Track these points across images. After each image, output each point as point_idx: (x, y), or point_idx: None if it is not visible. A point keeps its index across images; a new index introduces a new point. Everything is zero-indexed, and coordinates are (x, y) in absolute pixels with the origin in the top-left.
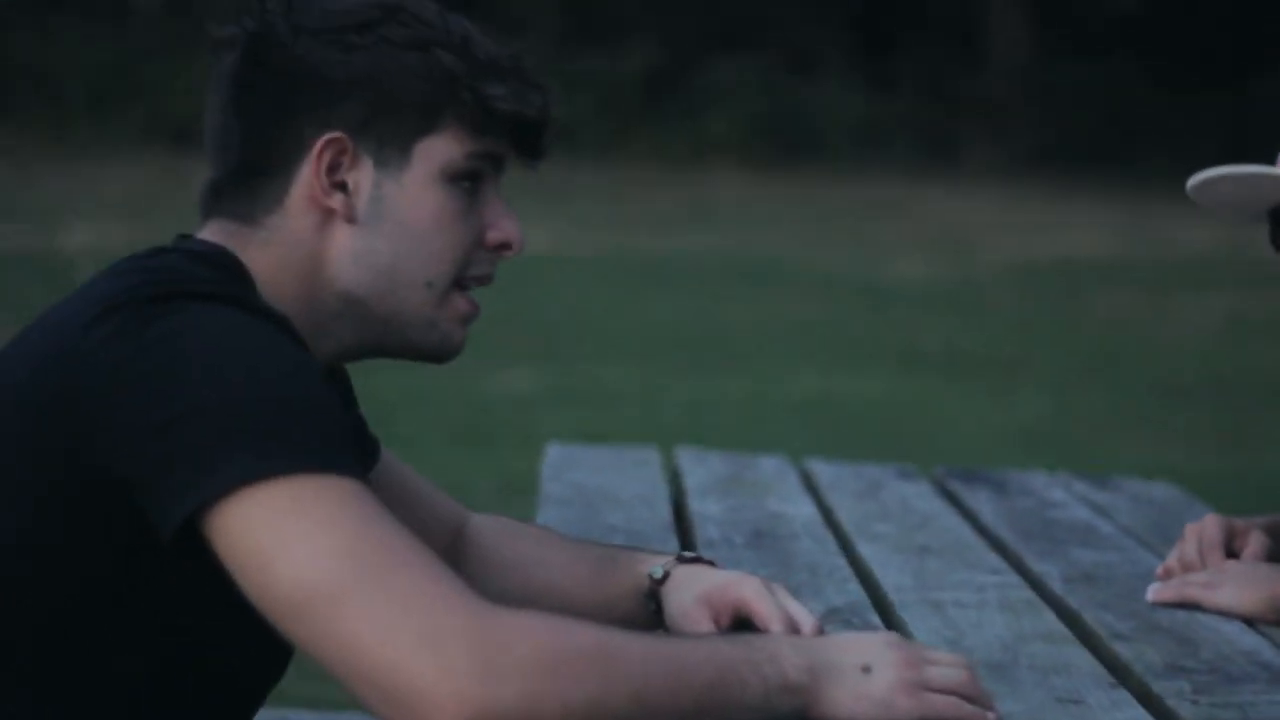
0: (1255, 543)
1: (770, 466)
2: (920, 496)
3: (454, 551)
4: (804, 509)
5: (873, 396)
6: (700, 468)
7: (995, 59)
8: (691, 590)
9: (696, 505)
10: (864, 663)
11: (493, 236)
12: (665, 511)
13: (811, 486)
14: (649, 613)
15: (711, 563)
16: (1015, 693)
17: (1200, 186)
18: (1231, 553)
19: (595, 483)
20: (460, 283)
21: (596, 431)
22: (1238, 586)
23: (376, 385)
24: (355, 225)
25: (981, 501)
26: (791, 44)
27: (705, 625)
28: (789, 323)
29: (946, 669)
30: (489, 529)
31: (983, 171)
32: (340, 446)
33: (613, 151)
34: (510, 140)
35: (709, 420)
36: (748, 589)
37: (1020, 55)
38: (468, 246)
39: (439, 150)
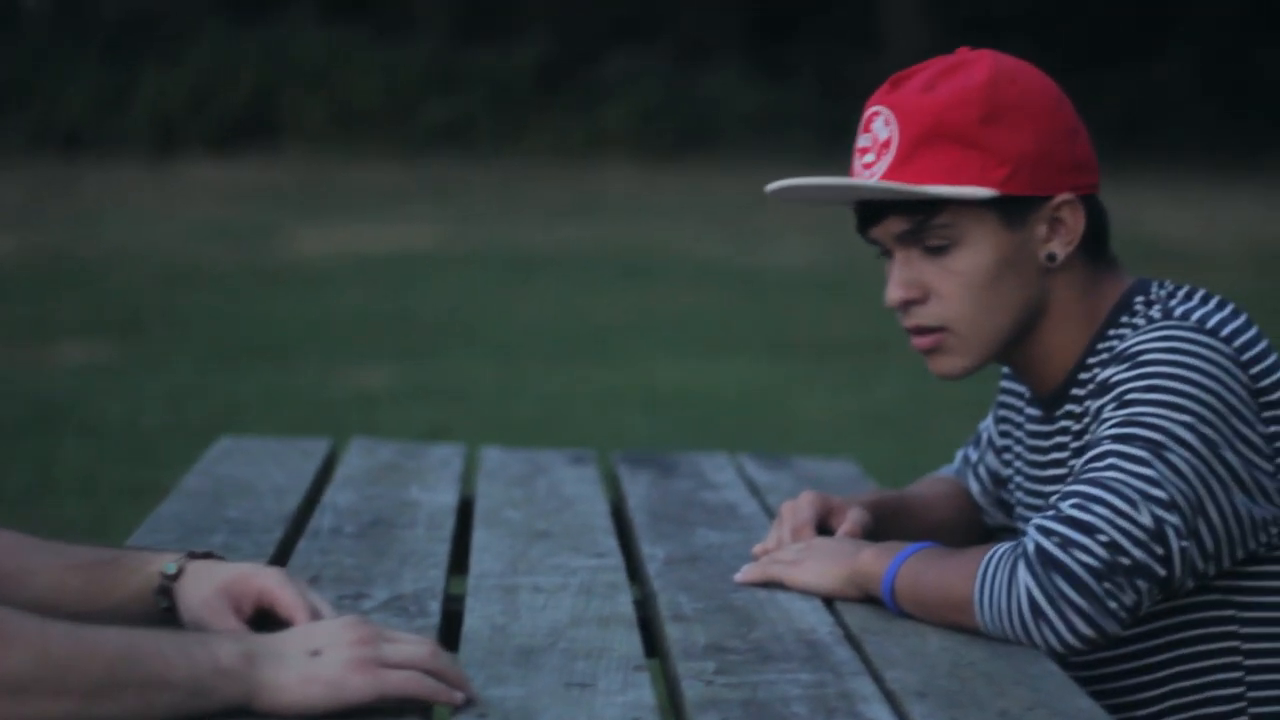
0: (851, 520)
1: (438, 455)
2: (578, 481)
3: None
4: (444, 497)
5: (736, 385)
6: (363, 458)
7: (890, 47)
8: (211, 582)
9: (331, 496)
10: (313, 647)
11: None
12: (294, 503)
13: (469, 474)
14: (160, 610)
15: (222, 557)
16: (527, 677)
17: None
18: (829, 530)
19: (240, 475)
20: None
21: (439, 426)
22: (818, 563)
23: (235, 382)
24: None
25: (639, 484)
26: (686, 35)
27: (226, 616)
28: (661, 314)
29: (406, 646)
30: None
31: None
32: None
33: (506, 146)
34: None
35: (564, 414)
36: (269, 579)
37: (914, 41)
38: None
39: None
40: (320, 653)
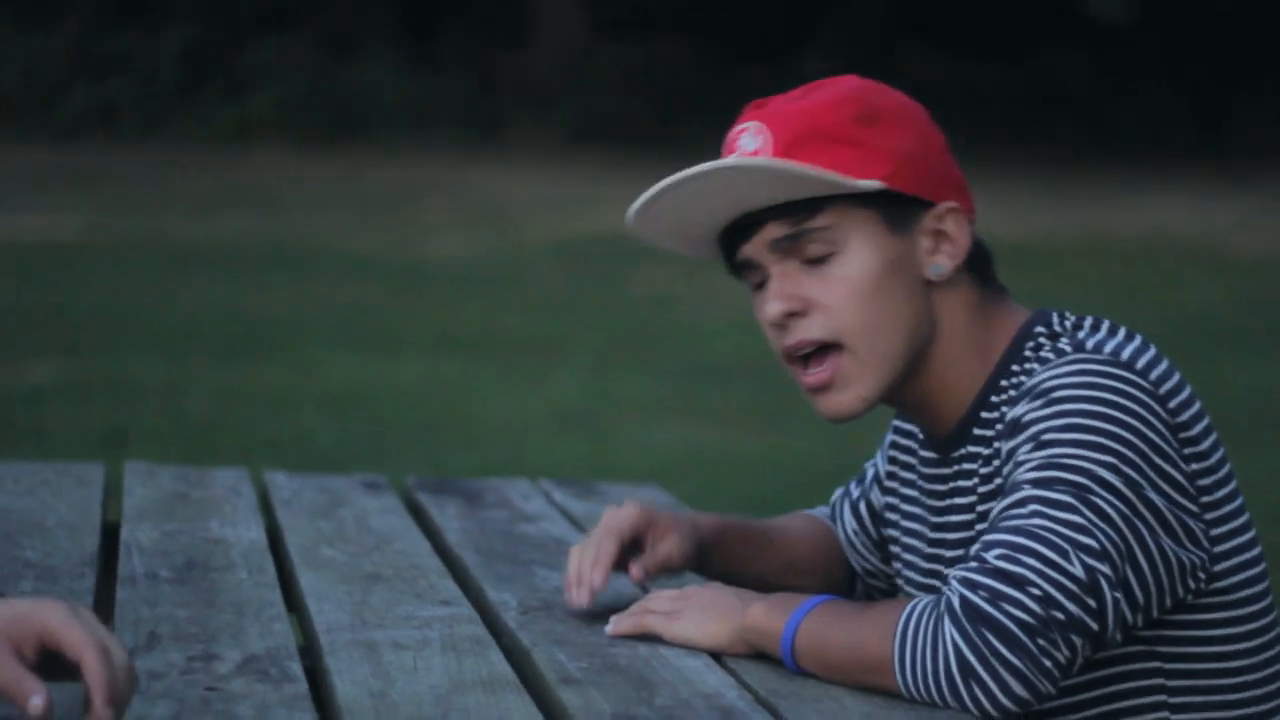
0: (663, 551)
1: (225, 481)
2: (383, 512)
3: None
4: (249, 533)
5: (407, 382)
6: (145, 486)
7: (541, 37)
8: None
9: (129, 532)
10: None
11: None
12: (93, 541)
13: (266, 504)
14: None
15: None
16: None
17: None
18: (639, 546)
19: (21, 507)
20: None
21: (115, 427)
22: (699, 616)
23: None
24: None
25: (449, 516)
26: (335, 24)
27: (8, 663)
28: (326, 308)
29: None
30: None
31: (528, 150)
32: None
33: (152, 133)
34: None
35: (241, 415)
36: (52, 616)
37: (566, 34)
38: None
39: None
40: None
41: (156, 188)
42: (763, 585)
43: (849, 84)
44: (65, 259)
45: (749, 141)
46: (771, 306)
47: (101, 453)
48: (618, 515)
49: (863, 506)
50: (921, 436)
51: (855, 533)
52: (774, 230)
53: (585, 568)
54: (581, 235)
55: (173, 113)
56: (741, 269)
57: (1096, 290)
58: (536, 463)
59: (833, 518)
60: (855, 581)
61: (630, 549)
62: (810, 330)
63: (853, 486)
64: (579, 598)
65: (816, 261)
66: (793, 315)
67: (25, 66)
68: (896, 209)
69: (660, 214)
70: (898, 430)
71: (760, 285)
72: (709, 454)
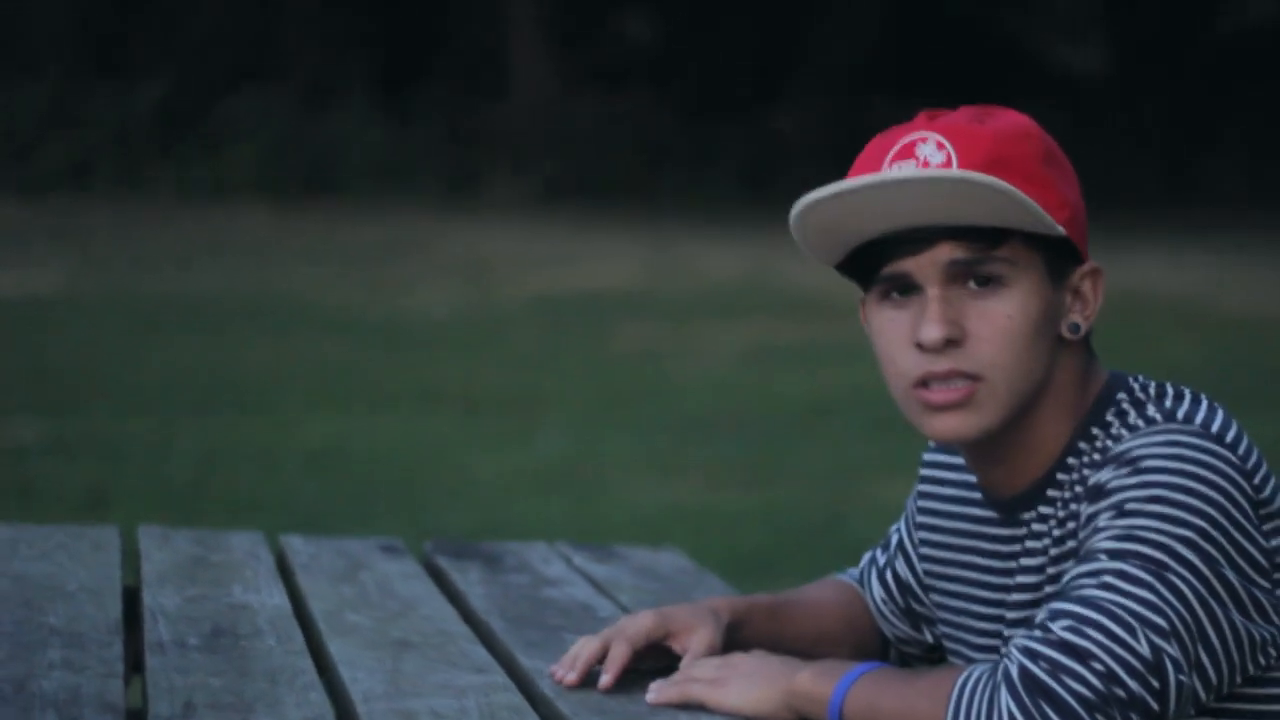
0: (699, 643)
1: (241, 545)
2: (404, 577)
3: None
4: (273, 598)
5: (390, 440)
6: (162, 550)
7: (516, 92)
8: None
9: (152, 598)
10: None
11: None
12: (116, 607)
13: (285, 569)
14: None
15: None
16: None
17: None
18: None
19: (40, 572)
20: None
21: (99, 485)
22: (745, 683)
23: None
24: None
25: (472, 581)
26: (310, 77)
27: None
28: (307, 364)
29: None
30: None
31: (505, 205)
32: None
33: (128, 188)
34: None
35: (225, 475)
36: None
37: (541, 88)
38: None
39: None
40: None
41: (134, 243)
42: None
43: (1021, 118)
44: (43, 314)
45: (933, 154)
46: (932, 329)
47: (87, 513)
48: (634, 622)
49: (889, 575)
50: (977, 495)
51: (884, 600)
52: (951, 251)
53: (586, 655)
54: (562, 291)
55: (149, 167)
56: (886, 280)
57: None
58: (522, 521)
59: (861, 583)
60: (889, 649)
61: (643, 655)
62: (964, 362)
63: (879, 554)
64: (567, 675)
65: (985, 284)
66: (950, 342)
67: (0, 120)
68: (1060, 260)
69: (826, 215)
70: (931, 495)
71: (898, 300)
72: (696, 510)
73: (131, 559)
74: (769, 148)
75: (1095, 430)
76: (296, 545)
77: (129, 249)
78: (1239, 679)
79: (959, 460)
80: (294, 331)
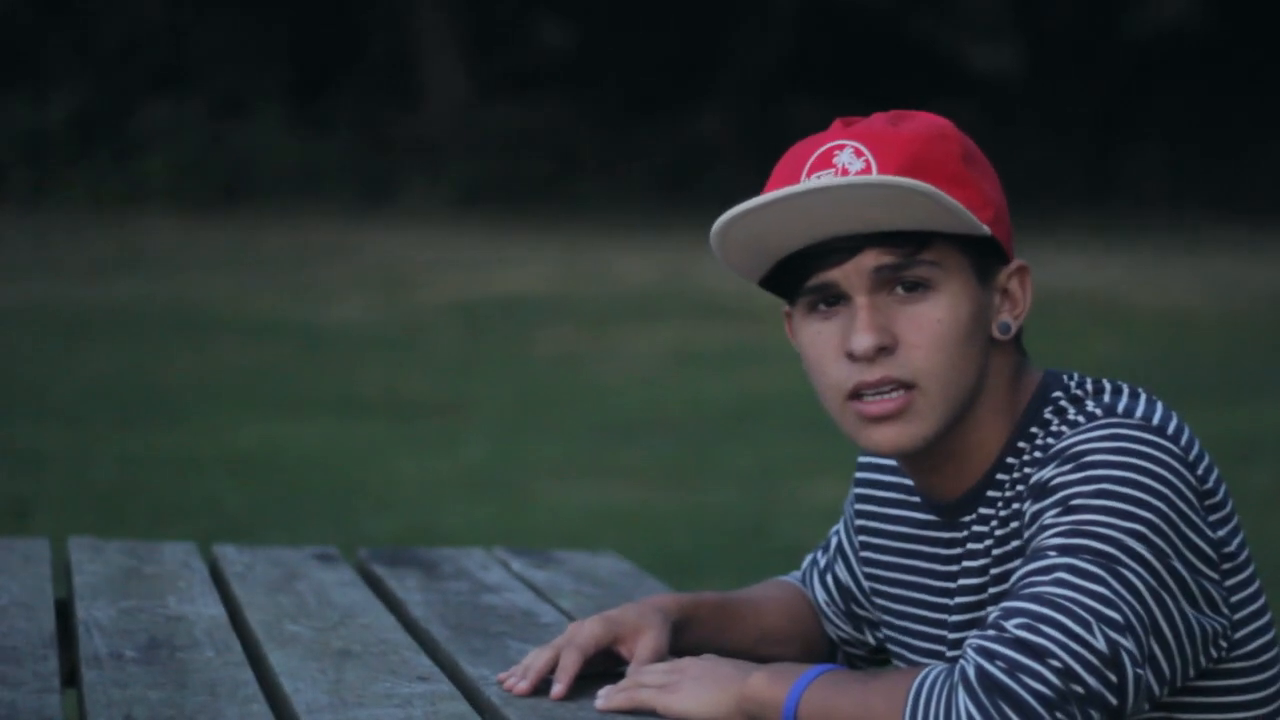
0: (646, 647)
1: (175, 556)
2: (342, 585)
3: None
4: (209, 609)
5: (314, 446)
6: (95, 562)
7: (430, 98)
8: None
9: (85, 610)
10: None
11: None
12: (49, 620)
13: (220, 579)
14: None
15: None
16: None
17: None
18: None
19: None
20: None
21: (21, 496)
22: (697, 687)
23: None
24: None
25: (410, 589)
26: (224, 87)
27: None
28: (227, 372)
29: None
30: None
31: (421, 211)
32: None
33: (40, 198)
34: None
35: (149, 482)
36: None
37: (455, 94)
38: None
39: None
40: None
41: (48, 253)
42: (739, 659)
43: (936, 119)
44: None
45: (851, 161)
46: (863, 339)
47: (7, 522)
48: (582, 630)
49: (829, 579)
50: (916, 499)
51: (826, 603)
52: (877, 258)
53: (538, 666)
54: (480, 296)
55: (62, 178)
56: (811, 292)
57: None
58: (451, 526)
59: (804, 585)
60: (836, 651)
61: (592, 661)
62: (896, 369)
63: (819, 555)
64: (519, 684)
65: (912, 290)
66: (882, 349)
67: None
68: (986, 260)
69: (747, 230)
70: (869, 499)
71: (825, 311)
72: (624, 513)
73: (62, 571)
74: (687, 151)
75: (1034, 429)
76: (230, 555)
77: (44, 259)
78: (1192, 671)
79: (894, 463)
80: (214, 339)
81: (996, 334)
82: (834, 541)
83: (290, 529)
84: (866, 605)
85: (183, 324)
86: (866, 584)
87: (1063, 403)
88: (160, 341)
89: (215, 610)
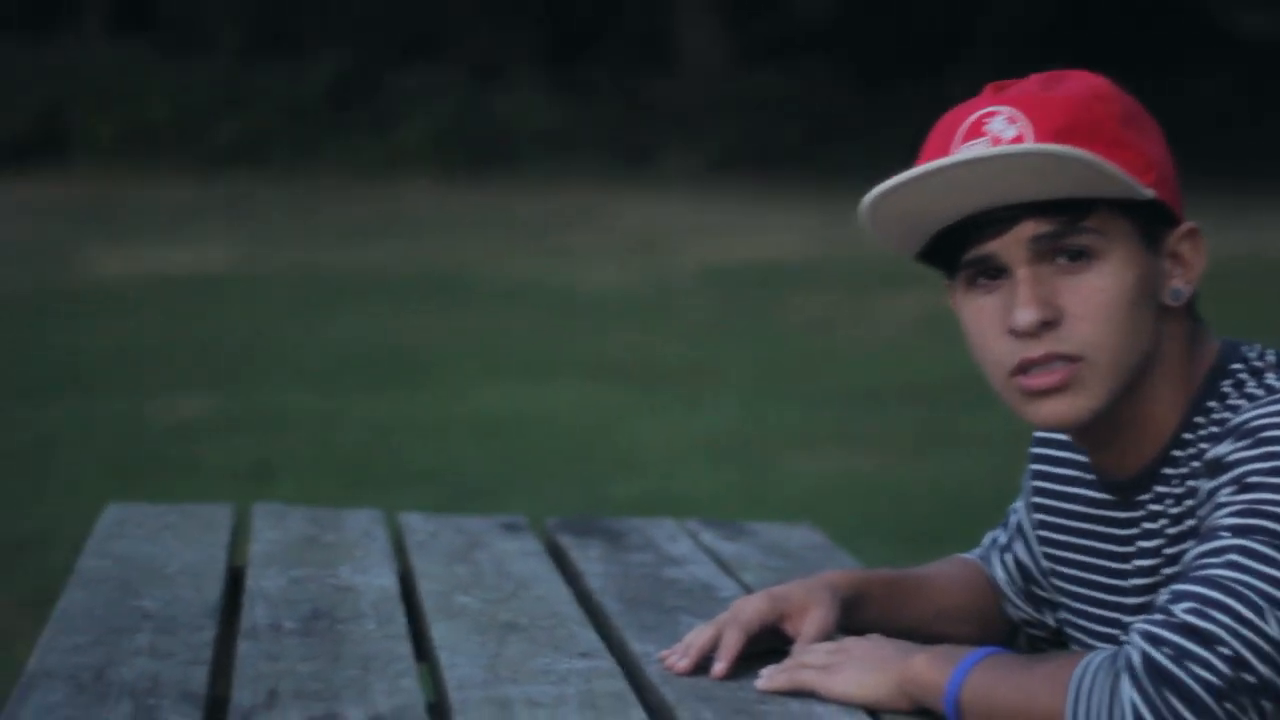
0: (813, 625)
1: (357, 524)
2: (522, 556)
3: None
4: (380, 579)
5: (560, 410)
6: (275, 529)
7: (686, 64)
8: None
9: (255, 580)
10: None
11: None
12: (216, 590)
13: (400, 548)
14: None
15: None
16: None
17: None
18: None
19: (143, 553)
20: None
21: (266, 459)
22: (858, 669)
23: (39, 414)
24: None
25: (591, 560)
26: (480, 52)
27: None
28: (479, 336)
29: None
30: None
31: (676, 177)
32: None
33: (301, 164)
34: None
35: (394, 445)
36: None
37: (712, 60)
38: None
39: None
40: None
41: (305, 218)
42: (914, 636)
43: (1093, 78)
44: (215, 291)
45: (1004, 128)
46: (1025, 314)
47: (252, 486)
48: (746, 607)
49: (1009, 558)
50: (1091, 477)
51: (1005, 583)
52: (1036, 227)
53: (699, 644)
54: (733, 262)
55: (321, 143)
56: (970, 265)
57: (1258, 311)
58: (688, 493)
59: (985, 562)
60: (1017, 632)
61: (757, 639)
62: (1061, 344)
63: (1000, 534)
64: (679, 662)
65: (1076, 259)
66: (1045, 324)
67: (173, 98)
68: (1154, 223)
69: (897, 205)
70: (1045, 476)
71: (986, 285)
72: (865, 483)
73: (243, 540)
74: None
75: (1211, 403)
76: (415, 523)
77: (301, 225)
78: None
79: (1068, 439)
80: (465, 304)
81: (1168, 301)
82: (1013, 520)
83: (532, 493)
84: (1045, 586)
85: (436, 288)
86: (1044, 564)
87: (1241, 375)
88: (411, 305)
89: (386, 581)
